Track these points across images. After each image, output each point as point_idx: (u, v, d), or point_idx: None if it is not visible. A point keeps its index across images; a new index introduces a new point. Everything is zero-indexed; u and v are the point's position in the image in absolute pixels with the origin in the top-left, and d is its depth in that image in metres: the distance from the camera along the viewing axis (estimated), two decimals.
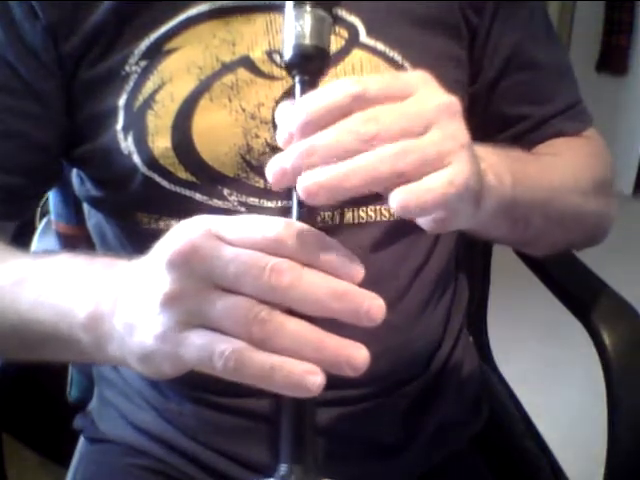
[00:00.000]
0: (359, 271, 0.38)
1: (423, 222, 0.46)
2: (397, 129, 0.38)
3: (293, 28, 0.44)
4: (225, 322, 0.37)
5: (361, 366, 0.37)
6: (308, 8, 0.44)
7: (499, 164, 0.51)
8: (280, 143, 0.40)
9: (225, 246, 0.37)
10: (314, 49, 0.44)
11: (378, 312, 0.37)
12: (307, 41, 0.44)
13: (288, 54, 0.44)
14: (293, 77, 0.45)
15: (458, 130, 0.41)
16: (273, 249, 0.37)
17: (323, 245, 0.38)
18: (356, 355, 0.37)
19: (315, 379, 0.36)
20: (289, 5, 0.44)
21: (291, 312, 0.37)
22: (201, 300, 0.37)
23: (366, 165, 0.37)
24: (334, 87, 0.39)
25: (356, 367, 0.37)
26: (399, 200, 0.38)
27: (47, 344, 0.49)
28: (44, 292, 0.49)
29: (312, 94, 0.40)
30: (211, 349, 0.37)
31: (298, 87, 0.44)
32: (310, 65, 0.44)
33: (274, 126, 0.55)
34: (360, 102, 0.38)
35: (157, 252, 0.40)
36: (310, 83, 0.44)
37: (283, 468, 0.39)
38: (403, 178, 0.38)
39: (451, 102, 0.41)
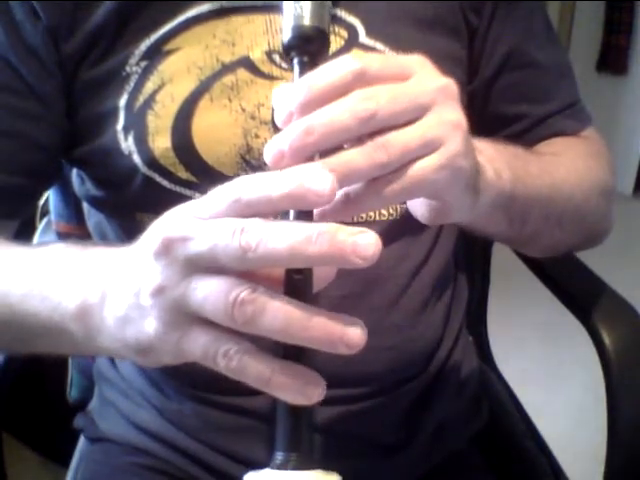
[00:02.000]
0: (325, 188, 0.34)
1: (420, 215, 0.46)
2: (395, 109, 0.38)
3: (292, 9, 0.43)
4: (207, 307, 0.36)
5: (357, 343, 0.35)
6: None
7: (498, 159, 0.51)
8: (278, 123, 0.39)
9: (200, 224, 0.36)
10: (313, 30, 0.43)
11: (368, 247, 0.33)
12: (306, 22, 0.43)
13: (287, 36, 0.43)
14: (292, 59, 0.44)
15: (453, 112, 0.41)
16: (242, 214, 0.35)
17: (276, 187, 0.35)
18: (350, 332, 0.35)
19: (315, 388, 0.36)
20: None
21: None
22: (185, 287, 0.37)
23: (343, 159, 0.37)
24: (334, 65, 0.39)
25: (351, 344, 0.35)
26: (381, 185, 0.39)
27: (41, 336, 0.49)
28: (36, 284, 0.49)
29: (312, 73, 0.39)
30: (215, 348, 0.36)
31: (297, 68, 0.43)
32: (309, 46, 0.43)
33: (274, 126, 0.55)
34: (360, 80, 0.38)
35: (143, 242, 0.39)
36: (309, 64, 0.43)
37: (279, 456, 0.38)
38: (387, 169, 0.39)
39: (448, 84, 0.41)
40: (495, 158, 0.50)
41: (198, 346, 0.37)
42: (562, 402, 1.75)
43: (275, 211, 0.36)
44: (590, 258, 0.76)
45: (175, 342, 0.38)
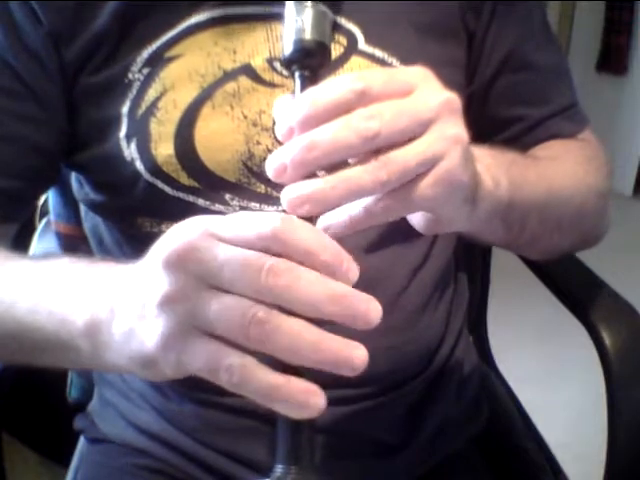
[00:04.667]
0: (354, 271, 0.37)
1: (417, 224, 0.47)
2: (398, 127, 0.38)
3: (294, 23, 0.43)
4: (221, 324, 0.36)
5: (360, 366, 0.36)
6: (309, 3, 0.44)
7: (496, 167, 0.51)
8: (279, 136, 0.40)
9: (221, 246, 0.36)
10: (315, 44, 0.43)
11: (375, 316, 0.37)
12: (308, 36, 0.43)
13: (288, 49, 0.43)
14: (293, 72, 0.44)
15: (454, 127, 0.41)
16: (269, 247, 0.36)
17: (320, 243, 0.37)
18: (355, 355, 0.36)
19: (316, 401, 0.36)
20: (290, 1, 0.44)
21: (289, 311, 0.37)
22: (197, 301, 0.37)
23: (347, 177, 0.38)
24: (337, 83, 0.39)
25: (355, 367, 0.36)
26: (379, 204, 0.40)
27: (46, 350, 0.49)
28: (42, 298, 0.49)
29: (315, 89, 0.39)
30: (217, 361, 0.36)
31: (298, 82, 0.44)
32: (310, 60, 0.43)
33: (275, 134, 0.56)
34: (362, 98, 0.38)
35: (154, 254, 0.39)
36: (310, 78, 0.43)
37: (279, 469, 0.38)
38: (389, 187, 0.39)
39: (451, 99, 0.41)
40: (493, 166, 0.50)
41: (200, 360, 0.37)
42: (562, 402, 1.75)
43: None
44: (590, 258, 0.76)
45: (176, 355, 0.38)
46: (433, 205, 0.42)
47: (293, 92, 0.44)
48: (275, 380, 0.36)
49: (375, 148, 0.39)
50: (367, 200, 0.41)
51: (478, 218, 0.48)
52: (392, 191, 0.40)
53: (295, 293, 0.35)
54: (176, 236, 0.38)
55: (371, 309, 0.36)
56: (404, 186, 0.40)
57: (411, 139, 0.39)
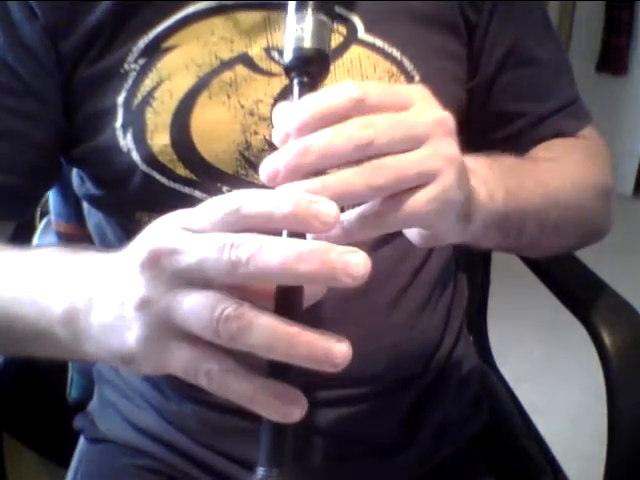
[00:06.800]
0: (330, 211, 0.34)
1: (412, 237, 0.47)
2: (392, 138, 0.39)
3: (294, 31, 0.44)
4: (192, 321, 0.35)
5: (341, 362, 0.34)
6: (310, 11, 0.44)
7: (492, 178, 0.51)
8: (276, 143, 0.40)
9: (190, 237, 0.36)
10: (314, 52, 0.44)
11: (358, 266, 0.33)
12: (307, 44, 0.44)
13: (288, 57, 0.44)
14: (292, 79, 0.44)
15: (449, 146, 0.41)
16: (236, 226, 0.35)
17: (277, 198, 0.35)
18: (335, 349, 0.34)
19: (294, 409, 0.35)
20: (291, 8, 0.45)
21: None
22: (171, 299, 0.36)
23: (340, 178, 0.38)
24: (334, 90, 0.39)
25: (336, 363, 0.34)
26: (374, 216, 0.40)
27: (30, 340, 0.49)
28: (25, 287, 0.49)
29: (312, 96, 0.40)
30: (196, 366, 0.36)
31: (296, 89, 0.44)
32: (309, 68, 0.44)
33: (272, 123, 0.56)
34: (359, 108, 0.39)
35: (131, 252, 0.39)
36: (309, 85, 0.44)
37: (260, 471, 0.38)
38: (382, 193, 0.39)
39: (446, 118, 0.41)
40: (489, 178, 0.50)
41: (179, 362, 0.37)
42: (562, 402, 1.75)
43: (270, 229, 0.35)
44: (590, 258, 0.76)
45: (156, 356, 0.37)
46: (427, 221, 0.42)
47: (291, 89, 0.44)
48: (255, 385, 0.35)
49: (367, 157, 0.38)
50: (361, 209, 0.41)
51: (473, 231, 0.48)
52: (386, 200, 0.40)
53: (261, 262, 0.33)
54: (150, 236, 0.37)
55: (351, 259, 0.33)
56: (399, 197, 0.40)
57: (404, 152, 0.39)
